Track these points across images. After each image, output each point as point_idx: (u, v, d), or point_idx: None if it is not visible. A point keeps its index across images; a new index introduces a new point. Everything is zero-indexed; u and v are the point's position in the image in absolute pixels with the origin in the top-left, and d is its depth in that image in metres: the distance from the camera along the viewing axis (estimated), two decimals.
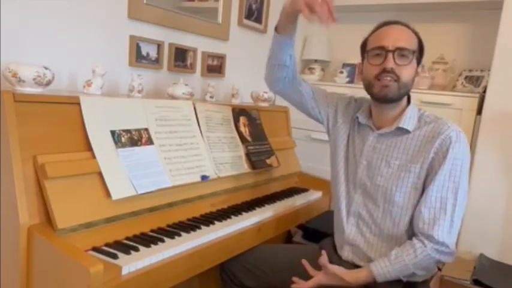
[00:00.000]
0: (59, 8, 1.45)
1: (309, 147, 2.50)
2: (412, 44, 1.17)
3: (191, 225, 1.29)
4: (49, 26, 1.44)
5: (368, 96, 1.26)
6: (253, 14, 2.39)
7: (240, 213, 1.45)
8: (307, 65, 2.91)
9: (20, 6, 1.35)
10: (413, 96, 1.27)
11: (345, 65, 2.79)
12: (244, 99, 2.20)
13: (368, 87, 1.22)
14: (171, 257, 1.09)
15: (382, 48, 1.16)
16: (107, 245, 1.09)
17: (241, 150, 1.66)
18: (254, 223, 1.42)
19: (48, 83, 1.21)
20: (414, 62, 1.18)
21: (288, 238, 2.11)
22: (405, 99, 1.24)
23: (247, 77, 2.38)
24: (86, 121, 1.15)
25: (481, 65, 2.35)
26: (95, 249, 1.05)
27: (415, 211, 1.17)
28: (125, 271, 0.97)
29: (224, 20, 2.18)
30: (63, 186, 1.04)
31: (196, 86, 2.01)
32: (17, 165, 0.99)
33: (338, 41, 2.90)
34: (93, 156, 1.13)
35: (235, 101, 1.99)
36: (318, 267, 1.20)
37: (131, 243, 1.11)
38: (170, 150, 1.36)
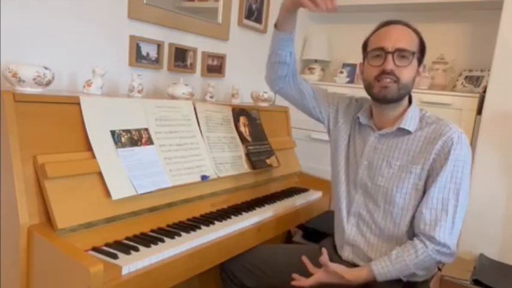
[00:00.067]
0: (59, 8, 1.45)
1: (309, 147, 2.50)
2: (413, 45, 1.17)
3: (191, 225, 1.29)
4: (49, 26, 1.44)
5: (369, 96, 1.26)
6: (253, 14, 2.39)
7: (240, 213, 1.45)
8: (307, 65, 2.91)
9: (20, 6, 1.35)
10: (413, 96, 1.27)
11: (345, 65, 2.79)
12: (244, 99, 2.20)
13: (368, 88, 1.22)
14: (171, 257, 1.09)
15: (382, 49, 1.16)
16: (107, 245, 1.09)
17: (241, 150, 1.66)
18: (254, 223, 1.42)
19: (48, 83, 1.21)
20: (415, 62, 1.18)
21: (288, 238, 2.11)
22: (406, 99, 1.23)
23: (247, 77, 2.38)
24: (86, 121, 1.15)
25: (481, 65, 2.35)
26: (95, 249, 1.05)
27: (417, 212, 1.16)
28: (124, 271, 0.97)
29: (224, 20, 2.18)
30: (63, 186, 1.04)
31: (196, 86, 2.01)
32: (17, 165, 0.99)
33: (338, 41, 2.90)
34: (93, 156, 1.13)
35: (235, 101, 1.99)
36: (318, 267, 1.20)
37: (131, 243, 1.11)
38: (170, 150, 1.36)
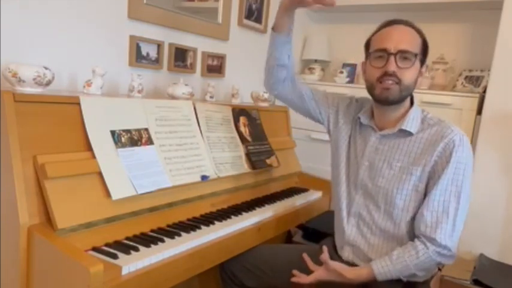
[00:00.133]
0: (59, 8, 1.45)
1: (309, 147, 2.50)
2: (415, 46, 1.16)
3: (191, 225, 1.29)
4: (49, 26, 1.44)
5: (370, 96, 1.26)
6: (253, 14, 2.39)
7: (240, 213, 1.45)
8: (307, 65, 2.91)
9: (20, 6, 1.35)
10: (414, 96, 1.27)
11: (345, 65, 2.79)
12: (244, 99, 2.20)
13: (370, 89, 1.21)
14: (171, 257, 1.09)
15: (384, 50, 1.15)
16: (107, 245, 1.09)
17: (241, 150, 1.66)
18: (254, 223, 1.42)
19: (48, 83, 1.21)
20: (417, 63, 1.17)
21: (288, 238, 2.11)
22: (408, 100, 1.23)
23: (247, 77, 2.38)
24: (86, 121, 1.15)
25: (481, 65, 2.35)
26: (95, 249, 1.05)
27: (418, 214, 1.16)
28: (124, 271, 0.97)
29: (224, 20, 2.18)
30: (63, 186, 1.04)
31: (196, 86, 2.01)
32: (17, 165, 0.99)
33: (338, 41, 2.90)
34: (93, 156, 1.13)
35: (235, 101, 1.99)
36: (319, 265, 1.20)
37: (131, 243, 1.11)
38: (170, 150, 1.36)
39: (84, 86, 1.36)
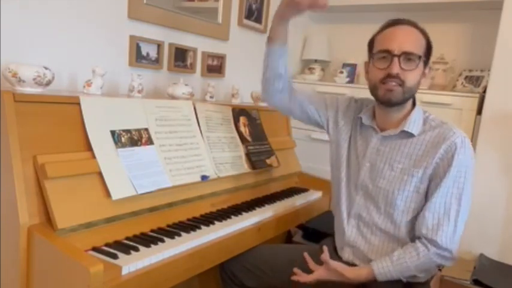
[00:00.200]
0: (59, 8, 1.45)
1: (309, 147, 2.50)
2: (419, 48, 1.15)
3: (191, 225, 1.29)
4: (49, 26, 1.44)
5: (369, 97, 1.26)
6: (253, 14, 2.39)
7: (240, 213, 1.45)
8: (307, 65, 2.91)
9: (20, 6, 1.35)
10: (415, 97, 1.26)
11: (345, 65, 2.79)
12: (244, 99, 2.20)
13: (372, 90, 1.21)
14: (171, 257, 1.09)
15: (388, 51, 1.13)
16: (107, 245, 1.09)
17: (241, 150, 1.66)
18: (254, 223, 1.42)
19: (48, 83, 1.21)
20: (421, 65, 1.16)
21: (288, 238, 2.11)
22: (410, 101, 1.22)
23: (247, 77, 2.38)
24: (86, 121, 1.15)
25: (481, 65, 2.35)
26: (95, 249, 1.05)
27: (419, 216, 1.16)
28: (124, 271, 0.97)
29: (224, 20, 2.18)
30: (63, 186, 1.04)
31: (196, 86, 2.01)
32: (17, 165, 0.99)
33: (338, 41, 2.90)
34: (93, 156, 1.13)
35: (235, 101, 1.99)
36: (319, 266, 1.20)
37: (131, 243, 1.11)
38: (170, 150, 1.36)
39: (84, 86, 1.35)
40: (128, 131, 1.25)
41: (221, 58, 2.22)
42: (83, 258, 0.90)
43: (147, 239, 1.14)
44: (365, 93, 1.26)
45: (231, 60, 2.28)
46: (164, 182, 1.28)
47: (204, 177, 1.43)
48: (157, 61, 1.83)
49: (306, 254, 1.24)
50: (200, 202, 1.43)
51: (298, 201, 1.73)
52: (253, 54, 2.44)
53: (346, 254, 1.28)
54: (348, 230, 1.27)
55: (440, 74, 2.37)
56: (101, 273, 0.88)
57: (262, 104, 2.01)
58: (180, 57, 1.95)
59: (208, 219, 1.35)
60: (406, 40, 1.13)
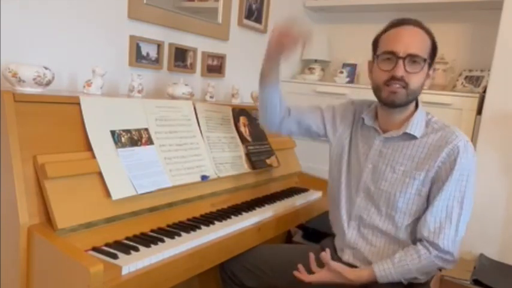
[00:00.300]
0: (59, 8, 1.45)
1: (309, 147, 2.48)
2: (425, 50, 1.14)
3: (191, 225, 1.29)
4: (49, 26, 1.44)
5: (368, 98, 1.26)
6: (253, 14, 2.39)
7: (240, 213, 1.45)
8: (307, 65, 2.91)
9: (20, 6, 1.35)
10: (418, 99, 1.25)
11: (345, 65, 2.79)
12: (244, 99, 2.20)
13: (376, 91, 1.20)
14: (171, 257, 1.09)
15: (393, 53, 1.12)
16: (107, 245, 1.09)
17: (241, 150, 1.66)
18: (254, 223, 1.42)
19: (48, 83, 1.21)
20: (425, 68, 1.15)
21: (288, 238, 2.11)
22: (413, 103, 1.21)
23: (247, 77, 2.38)
24: (86, 121, 1.15)
25: (481, 65, 2.35)
26: (95, 249, 1.05)
27: (421, 219, 1.16)
28: (124, 271, 0.97)
29: (224, 20, 2.18)
30: (63, 186, 1.04)
31: (196, 86, 2.01)
32: (17, 165, 0.99)
33: (338, 41, 2.90)
34: (93, 156, 1.13)
35: (235, 101, 1.99)
36: (320, 267, 1.20)
37: (131, 243, 1.11)
38: (170, 150, 1.36)
39: (84, 86, 1.36)
40: (127, 131, 1.25)
41: (221, 58, 2.22)
42: (83, 258, 0.90)
43: (147, 239, 1.14)
44: (365, 93, 1.26)
45: (231, 60, 2.28)
46: (164, 182, 1.28)
47: (204, 177, 1.43)
48: (157, 61, 1.83)
49: (311, 254, 1.23)
50: (200, 202, 1.43)
51: (298, 201, 1.73)
52: (253, 54, 2.44)
53: (346, 256, 1.28)
54: (349, 232, 1.27)
55: (440, 74, 2.36)
56: (101, 273, 0.88)
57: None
58: (180, 57, 1.95)
59: (208, 219, 1.34)
60: (411, 42, 1.12)
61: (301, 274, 1.20)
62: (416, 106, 1.23)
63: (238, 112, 1.74)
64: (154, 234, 1.19)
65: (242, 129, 1.71)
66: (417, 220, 1.18)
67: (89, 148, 1.14)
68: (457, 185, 1.13)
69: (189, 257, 1.14)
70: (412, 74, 1.13)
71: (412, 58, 1.12)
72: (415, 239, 1.18)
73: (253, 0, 2.37)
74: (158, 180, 1.27)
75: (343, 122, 1.37)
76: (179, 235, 1.20)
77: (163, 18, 1.82)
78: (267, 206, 1.59)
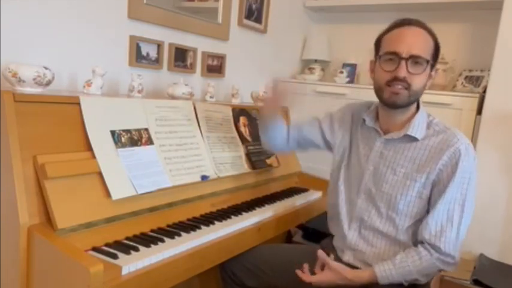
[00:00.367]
0: (59, 8, 1.45)
1: None
2: (428, 51, 1.13)
3: (191, 225, 1.29)
4: (49, 26, 1.44)
5: (367, 98, 1.26)
6: (253, 14, 2.39)
7: (240, 213, 1.45)
8: (307, 65, 2.91)
9: (20, 6, 1.35)
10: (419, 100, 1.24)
11: (345, 65, 2.79)
12: (244, 99, 2.20)
13: (378, 91, 1.19)
14: (171, 257, 1.09)
15: (396, 54, 1.11)
16: (107, 245, 1.09)
17: (241, 150, 1.66)
18: (254, 223, 1.42)
19: (48, 83, 1.21)
20: (428, 69, 1.14)
21: (288, 238, 2.11)
22: (414, 104, 1.21)
23: (247, 77, 2.38)
24: (86, 121, 1.15)
25: (481, 65, 2.35)
26: (95, 249, 1.05)
27: (422, 222, 1.16)
28: (124, 271, 0.97)
29: (224, 20, 2.18)
30: (63, 186, 1.04)
31: (196, 86, 2.01)
32: (17, 165, 0.99)
33: (338, 41, 2.90)
34: (93, 156, 1.13)
35: (235, 101, 1.99)
36: (322, 269, 1.20)
37: (131, 243, 1.11)
38: (170, 150, 1.36)
39: (84, 86, 1.36)
40: (128, 131, 1.25)
41: (221, 58, 2.22)
42: (83, 258, 0.90)
43: (147, 239, 1.14)
44: (365, 93, 1.26)
45: (231, 60, 2.28)
46: (164, 182, 1.28)
47: (204, 177, 1.43)
48: (157, 61, 1.83)
49: (319, 251, 1.22)
50: (200, 202, 1.43)
51: (298, 201, 1.73)
52: (253, 54, 2.44)
53: (347, 256, 1.27)
54: (350, 233, 1.27)
55: (440, 74, 2.36)
56: (101, 273, 0.88)
57: (262, 104, 2.01)
58: (180, 57, 1.95)
59: (208, 219, 1.34)
60: (414, 43, 1.11)
61: (303, 274, 1.20)
62: (418, 107, 1.22)
63: (238, 112, 1.74)
64: (154, 234, 1.19)
65: (242, 129, 1.71)
66: (418, 222, 1.18)
67: (89, 148, 1.14)
68: (458, 188, 1.13)
69: (189, 257, 1.14)
70: (414, 75, 1.12)
71: (415, 59, 1.11)
72: (416, 240, 1.18)
73: (253, 0, 2.37)
74: (158, 180, 1.27)
75: (341, 127, 1.38)
76: (179, 235, 1.20)
77: (163, 18, 1.82)
78: (267, 206, 1.59)
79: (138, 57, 1.74)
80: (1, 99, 1.00)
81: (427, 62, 1.13)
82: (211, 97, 1.88)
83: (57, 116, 1.11)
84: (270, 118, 1.43)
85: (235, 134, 1.68)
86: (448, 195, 1.13)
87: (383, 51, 1.16)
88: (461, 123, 2.07)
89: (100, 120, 1.19)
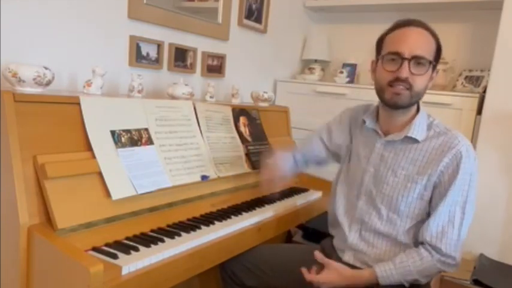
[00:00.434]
0: (59, 8, 1.45)
1: None
2: (430, 52, 1.13)
3: (191, 225, 1.29)
4: (49, 26, 1.44)
5: (367, 98, 1.25)
6: (253, 14, 2.39)
7: (240, 213, 1.45)
8: (307, 65, 2.91)
9: (20, 6, 1.35)
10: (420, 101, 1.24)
11: (345, 65, 2.79)
12: (244, 99, 2.20)
13: (379, 92, 1.19)
14: (171, 257, 1.09)
15: (398, 54, 1.11)
16: (107, 245, 1.08)
17: (241, 150, 1.66)
18: (254, 223, 1.42)
19: (48, 83, 1.21)
20: (430, 70, 1.14)
21: (288, 238, 2.11)
22: (415, 105, 1.21)
23: (247, 77, 2.38)
24: (86, 121, 1.15)
25: (481, 65, 2.35)
26: (95, 249, 1.05)
27: (424, 224, 1.16)
28: (124, 271, 0.97)
29: (224, 20, 2.18)
30: (63, 186, 1.04)
31: (196, 86, 2.01)
32: (17, 165, 0.99)
33: (338, 41, 2.90)
34: (93, 156, 1.13)
35: (235, 101, 1.99)
36: (320, 267, 1.20)
37: (131, 243, 1.11)
38: (170, 150, 1.36)
39: (84, 86, 1.36)
40: (128, 131, 1.25)
41: (221, 58, 2.22)
42: (83, 258, 0.90)
43: (147, 239, 1.14)
44: (365, 93, 1.26)
45: (231, 60, 2.28)
46: (164, 182, 1.28)
47: (204, 177, 1.43)
48: (157, 61, 1.83)
49: (316, 252, 1.22)
50: (200, 202, 1.43)
51: (298, 201, 1.72)
52: (253, 54, 2.44)
53: (347, 257, 1.27)
54: (351, 235, 1.27)
55: (440, 74, 2.36)
56: (101, 273, 0.88)
57: (262, 104, 2.01)
58: (180, 57, 1.95)
59: (208, 219, 1.34)
60: (417, 43, 1.11)
61: (306, 272, 1.19)
62: (418, 109, 1.22)
63: (238, 112, 1.74)
64: (154, 234, 1.19)
65: (242, 129, 1.71)
66: (419, 223, 1.18)
67: (89, 148, 1.14)
68: (459, 190, 1.13)
69: (189, 257, 1.14)
70: (416, 76, 1.12)
71: (418, 60, 1.11)
72: (416, 242, 1.18)
73: (253, 0, 2.37)
74: (158, 180, 1.27)
75: (340, 131, 1.39)
76: (179, 235, 1.20)
77: (163, 18, 1.82)
78: (267, 206, 1.58)
79: (138, 57, 1.74)
80: (1, 99, 1.00)
81: (430, 62, 1.13)
82: (211, 97, 1.88)
83: (57, 116, 1.11)
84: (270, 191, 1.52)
85: (235, 134, 1.68)
86: (449, 197, 1.13)
87: (385, 51, 1.15)
88: (461, 123, 2.07)
89: (100, 120, 1.19)
